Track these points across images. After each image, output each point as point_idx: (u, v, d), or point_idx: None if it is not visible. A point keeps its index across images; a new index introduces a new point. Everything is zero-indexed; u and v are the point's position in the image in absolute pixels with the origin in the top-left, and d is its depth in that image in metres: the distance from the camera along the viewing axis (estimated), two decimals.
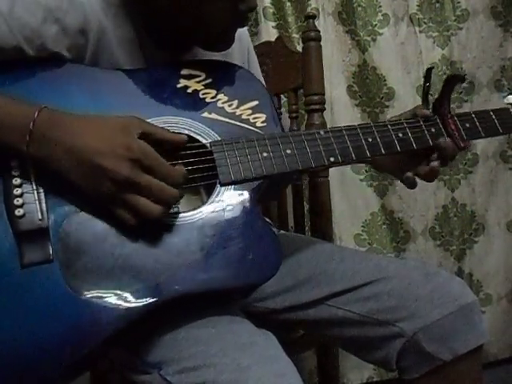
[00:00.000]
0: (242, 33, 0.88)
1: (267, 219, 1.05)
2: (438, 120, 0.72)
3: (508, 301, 1.49)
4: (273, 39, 1.22)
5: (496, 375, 1.39)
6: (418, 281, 0.68)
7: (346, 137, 0.68)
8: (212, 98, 0.67)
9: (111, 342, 0.55)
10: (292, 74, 1.12)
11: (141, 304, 0.53)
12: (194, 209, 0.60)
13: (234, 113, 0.67)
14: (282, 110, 1.24)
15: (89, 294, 0.53)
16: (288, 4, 1.33)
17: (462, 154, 1.44)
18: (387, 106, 1.38)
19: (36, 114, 0.54)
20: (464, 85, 1.42)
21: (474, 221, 1.47)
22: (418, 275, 0.69)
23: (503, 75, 1.44)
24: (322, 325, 0.74)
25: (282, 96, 1.23)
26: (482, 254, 1.47)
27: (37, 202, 0.55)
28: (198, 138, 0.64)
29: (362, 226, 1.41)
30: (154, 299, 0.54)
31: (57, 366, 0.51)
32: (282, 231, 0.96)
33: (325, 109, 1.09)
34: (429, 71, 0.73)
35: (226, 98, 0.68)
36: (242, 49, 0.85)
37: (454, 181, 1.44)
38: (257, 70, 0.92)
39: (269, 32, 1.31)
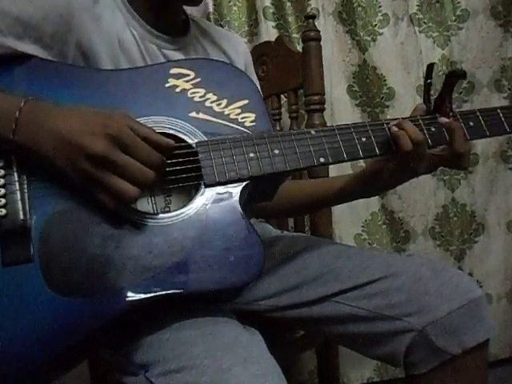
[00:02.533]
0: (242, 50, 0.89)
1: (265, 220, 1.05)
2: (439, 118, 0.70)
3: (508, 301, 1.49)
4: (273, 39, 1.22)
5: (496, 375, 1.39)
6: (427, 276, 0.68)
7: (338, 136, 0.66)
8: (200, 97, 0.66)
9: (91, 341, 0.55)
10: (292, 74, 1.12)
11: (119, 305, 0.53)
12: (177, 209, 0.59)
13: (222, 112, 0.66)
14: (282, 110, 1.24)
15: (68, 294, 0.53)
16: (288, 4, 1.33)
17: None
18: (387, 106, 1.38)
19: (22, 103, 0.55)
20: (464, 85, 1.42)
21: (473, 221, 1.47)
22: (426, 271, 0.69)
23: (503, 75, 1.44)
24: (326, 322, 0.74)
25: (282, 96, 1.23)
26: (481, 254, 1.47)
27: (19, 202, 0.55)
28: (184, 137, 0.63)
29: (362, 226, 1.41)
30: (133, 300, 0.54)
31: (36, 364, 0.52)
32: (285, 232, 0.96)
33: (325, 109, 1.09)
34: (430, 67, 0.70)
35: (214, 98, 0.67)
36: (237, 63, 0.85)
37: (454, 181, 1.44)
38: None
39: (269, 32, 1.31)
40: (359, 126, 0.67)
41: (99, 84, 0.64)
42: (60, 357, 0.52)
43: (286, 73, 1.14)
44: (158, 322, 0.59)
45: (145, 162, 0.54)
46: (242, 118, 0.66)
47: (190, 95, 0.66)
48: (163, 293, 0.54)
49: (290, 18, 1.33)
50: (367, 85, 1.38)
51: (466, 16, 1.41)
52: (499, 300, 1.49)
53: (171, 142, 0.58)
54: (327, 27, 1.34)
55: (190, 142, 0.63)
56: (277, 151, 0.63)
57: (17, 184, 0.56)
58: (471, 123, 0.70)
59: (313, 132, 0.66)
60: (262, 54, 1.20)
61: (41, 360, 0.52)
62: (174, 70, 0.67)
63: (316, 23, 1.10)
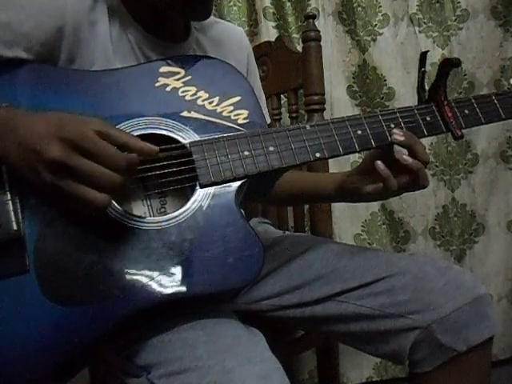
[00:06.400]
0: (244, 42, 0.88)
1: (266, 220, 1.05)
2: (434, 107, 0.69)
3: (508, 301, 1.49)
4: (273, 39, 1.23)
5: (496, 375, 1.38)
6: (431, 275, 0.68)
7: (333, 130, 0.65)
8: (192, 95, 0.65)
9: (92, 350, 0.54)
10: (292, 74, 1.12)
11: (119, 312, 0.53)
12: (173, 212, 0.58)
13: (215, 110, 0.65)
14: (282, 110, 1.24)
15: (67, 304, 0.52)
16: (288, 4, 1.33)
17: (461, 152, 1.44)
18: (387, 106, 1.38)
19: None
20: (464, 85, 1.42)
21: (474, 221, 1.47)
22: (430, 269, 0.69)
23: (503, 75, 1.44)
24: (329, 321, 0.74)
25: (281, 96, 1.23)
26: (482, 254, 1.47)
27: (12, 212, 0.54)
28: (177, 138, 0.62)
29: (362, 226, 1.41)
30: (132, 307, 0.53)
31: (36, 375, 0.51)
32: (287, 232, 0.96)
33: (325, 109, 1.09)
34: (423, 56, 0.69)
35: (206, 95, 0.65)
36: (241, 58, 0.85)
37: (454, 181, 1.44)
38: (256, 81, 0.90)
39: (269, 32, 1.31)
40: (354, 119, 0.66)
41: (88, 85, 0.62)
42: (60, 366, 0.52)
43: (286, 73, 1.14)
44: (160, 324, 0.58)
45: (108, 165, 0.50)
46: (235, 116, 0.65)
47: (180, 94, 0.65)
48: (163, 297, 0.54)
49: (290, 18, 1.33)
50: (367, 85, 1.38)
51: (465, 16, 1.41)
52: (500, 300, 1.49)
53: (154, 147, 0.55)
54: (327, 27, 1.35)
55: (183, 142, 0.62)
56: (272, 148, 0.62)
57: (8, 194, 0.54)
58: (466, 111, 0.70)
59: (308, 127, 0.65)
60: (262, 54, 1.20)
61: (41, 371, 0.51)
62: (163, 69, 0.66)
63: (316, 23, 1.10)
